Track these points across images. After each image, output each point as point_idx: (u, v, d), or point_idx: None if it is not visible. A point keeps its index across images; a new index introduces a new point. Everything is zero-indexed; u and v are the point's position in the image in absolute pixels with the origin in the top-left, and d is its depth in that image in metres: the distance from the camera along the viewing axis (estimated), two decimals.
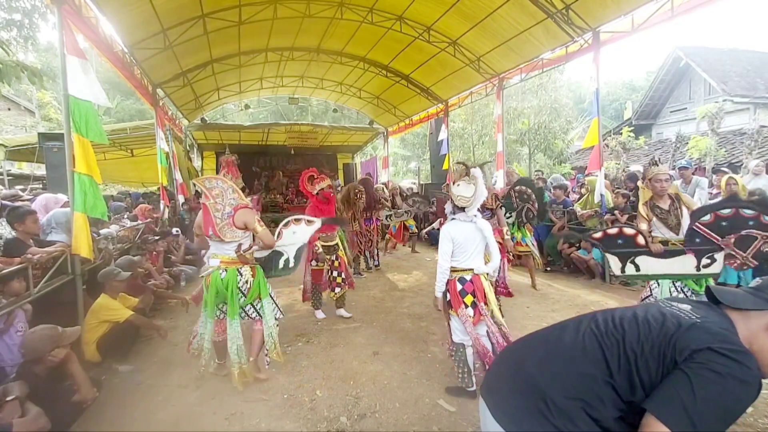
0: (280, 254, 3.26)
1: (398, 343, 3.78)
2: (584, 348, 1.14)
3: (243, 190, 3.10)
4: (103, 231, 4.59)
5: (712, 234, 2.91)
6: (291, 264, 3.30)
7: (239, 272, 2.95)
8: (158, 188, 8.07)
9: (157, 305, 4.81)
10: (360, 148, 15.88)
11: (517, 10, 6.12)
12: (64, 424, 2.44)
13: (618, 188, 6.65)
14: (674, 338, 1.04)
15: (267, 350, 3.04)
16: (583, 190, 7.16)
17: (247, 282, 2.98)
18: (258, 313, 3.07)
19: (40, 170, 9.45)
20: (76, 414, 2.59)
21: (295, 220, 3.34)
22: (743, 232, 2.84)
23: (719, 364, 0.97)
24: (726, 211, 2.89)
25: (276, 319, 3.12)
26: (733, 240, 2.86)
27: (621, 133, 13.39)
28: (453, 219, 2.90)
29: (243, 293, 2.96)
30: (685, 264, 3.06)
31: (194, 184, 3.39)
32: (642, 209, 3.35)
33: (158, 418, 2.66)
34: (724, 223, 2.90)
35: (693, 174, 5.80)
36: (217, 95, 10.75)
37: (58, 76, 3.61)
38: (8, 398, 2.14)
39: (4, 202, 4.54)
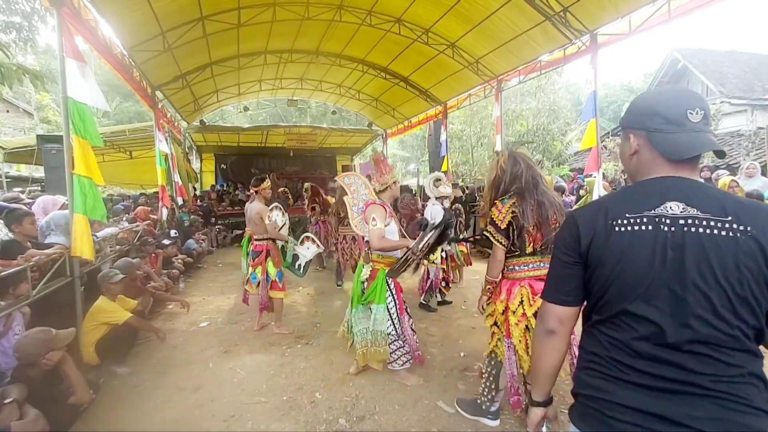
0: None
1: None
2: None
3: (378, 193, 3.02)
4: (100, 233, 4.58)
5: None
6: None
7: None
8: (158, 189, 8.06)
9: (156, 307, 4.81)
10: (359, 149, 15.90)
11: (515, 12, 6.13)
12: (62, 426, 2.43)
13: (616, 189, 6.66)
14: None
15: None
16: (582, 191, 7.17)
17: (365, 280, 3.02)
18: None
19: (38, 172, 9.43)
20: (74, 416, 2.58)
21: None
22: None
23: None
24: None
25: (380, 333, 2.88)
26: None
27: (619, 135, 13.45)
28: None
29: (363, 289, 3.01)
30: None
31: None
32: None
33: (157, 420, 2.66)
34: None
35: None
36: (216, 97, 10.75)
37: (57, 78, 3.60)
38: (6, 401, 2.14)
39: (2, 204, 4.53)
